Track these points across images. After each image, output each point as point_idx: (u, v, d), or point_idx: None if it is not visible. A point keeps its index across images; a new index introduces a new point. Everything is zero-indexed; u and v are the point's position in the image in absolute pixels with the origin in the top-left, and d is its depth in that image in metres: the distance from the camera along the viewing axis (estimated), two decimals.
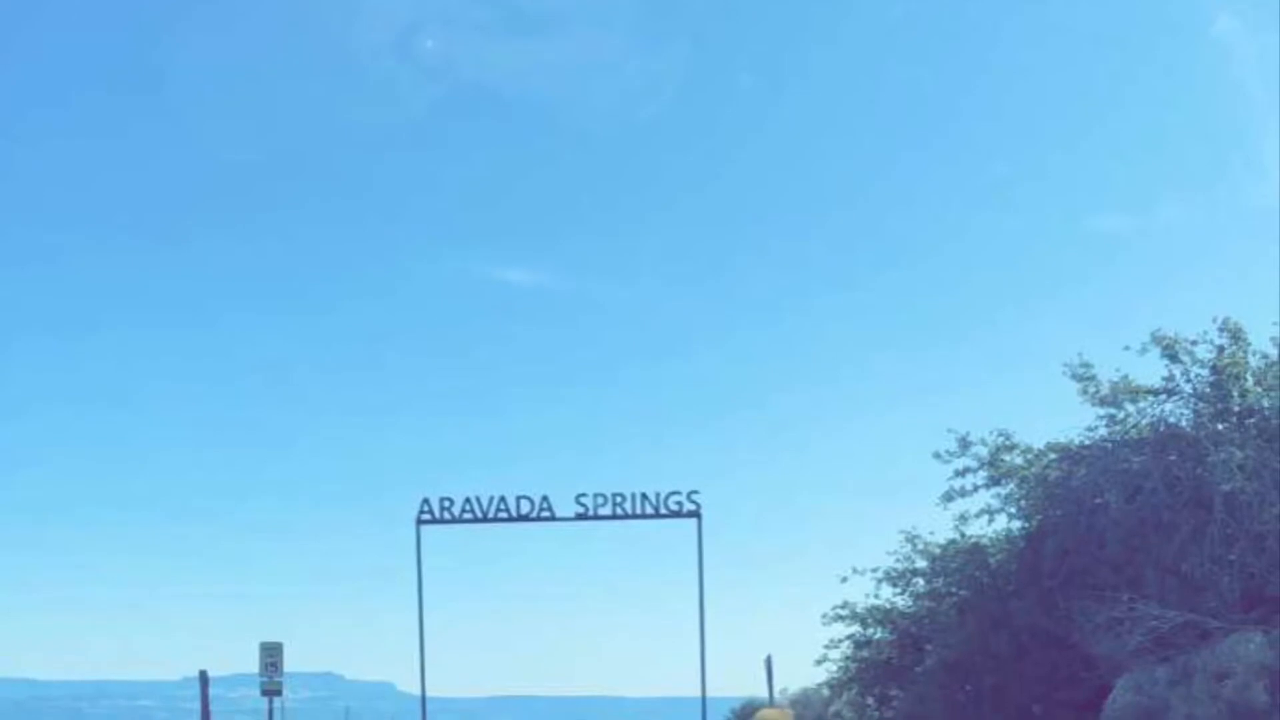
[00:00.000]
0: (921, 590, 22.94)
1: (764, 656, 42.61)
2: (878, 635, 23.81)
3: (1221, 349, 18.95)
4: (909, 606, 23.26)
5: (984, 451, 21.35)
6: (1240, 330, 18.96)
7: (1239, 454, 17.62)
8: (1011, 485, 21.18)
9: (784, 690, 39.41)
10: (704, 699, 44.32)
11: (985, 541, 22.01)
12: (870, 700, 24.35)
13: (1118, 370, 19.78)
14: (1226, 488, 17.46)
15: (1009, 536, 21.74)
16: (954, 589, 22.15)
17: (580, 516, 43.13)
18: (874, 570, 23.20)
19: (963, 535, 22.16)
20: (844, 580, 23.72)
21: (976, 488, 21.54)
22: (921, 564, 22.75)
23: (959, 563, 21.98)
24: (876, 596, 23.48)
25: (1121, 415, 19.68)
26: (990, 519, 21.73)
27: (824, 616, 24.15)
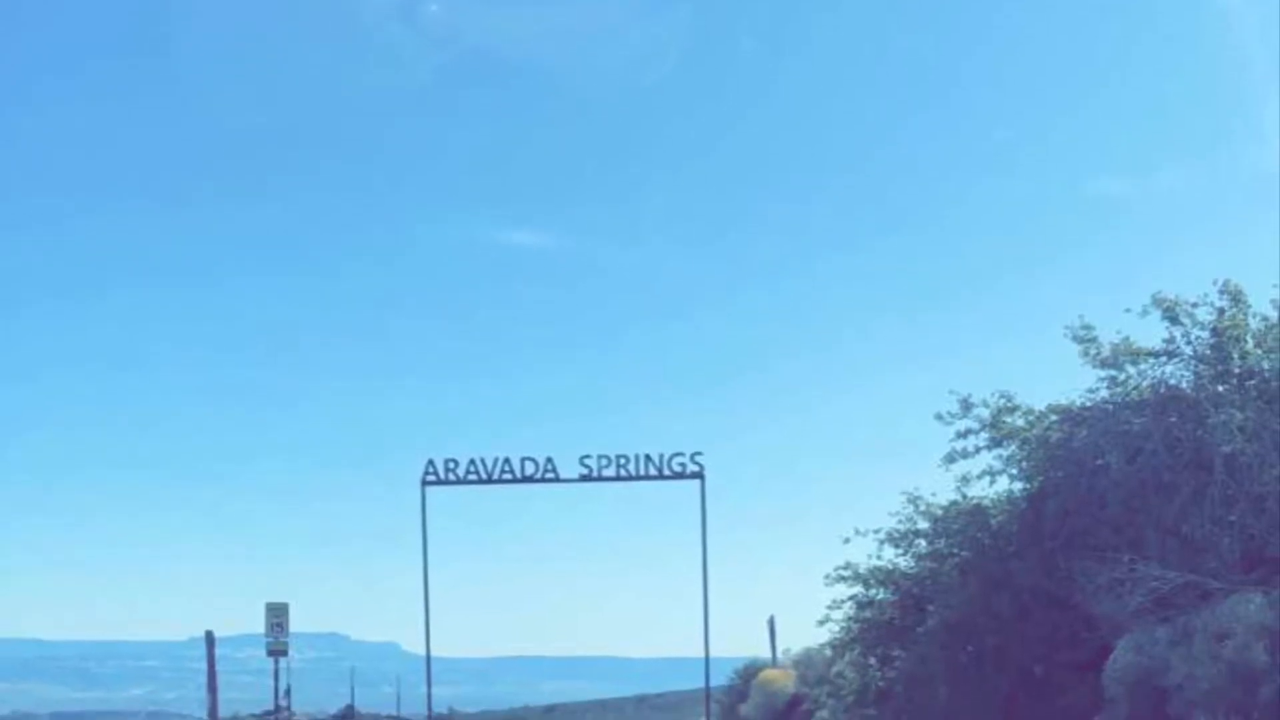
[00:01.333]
0: (923, 551, 22.99)
1: (767, 617, 42.81)
2: (880, 596, 23.87)
3: (1222, 311, 18.98)
4: (911, 567, 23.33)
5: (985, 413, 21.42)
6: (1240, 293, 18.99)
7: (1239, 416, 17.67)
8: (1013, 447, 21.24)
9: (787, 650, 39.60)
10: (707, 659, 44.47)
11: (987, 503, 22.07)
12: (872, 660, 24.43)
13: (1118, 332, 19.84)
14: (1227, 449, 17.51)
15: (1010, 498, 21.79)
16: (956, 550, 22.21)
17: (584, 478, 43.27)
18: (876, 531, 23.26)
19: (964, 496, 22.21)
20: (846, 541, 23.78)
21: (978, 449, 21.61)
22: (923, 525, 22.80)
23: (961, 524, 22.04)
24: (879, 557, 23.54)
25: (1122, 377, 19.73)
26: (992, 480, 21.80)
27: (826, 577, 24.22)
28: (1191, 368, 19.22)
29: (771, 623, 42.22)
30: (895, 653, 23.54)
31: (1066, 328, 20.22)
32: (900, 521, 23.09)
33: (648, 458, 42.56)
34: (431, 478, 43.11)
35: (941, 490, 22.55)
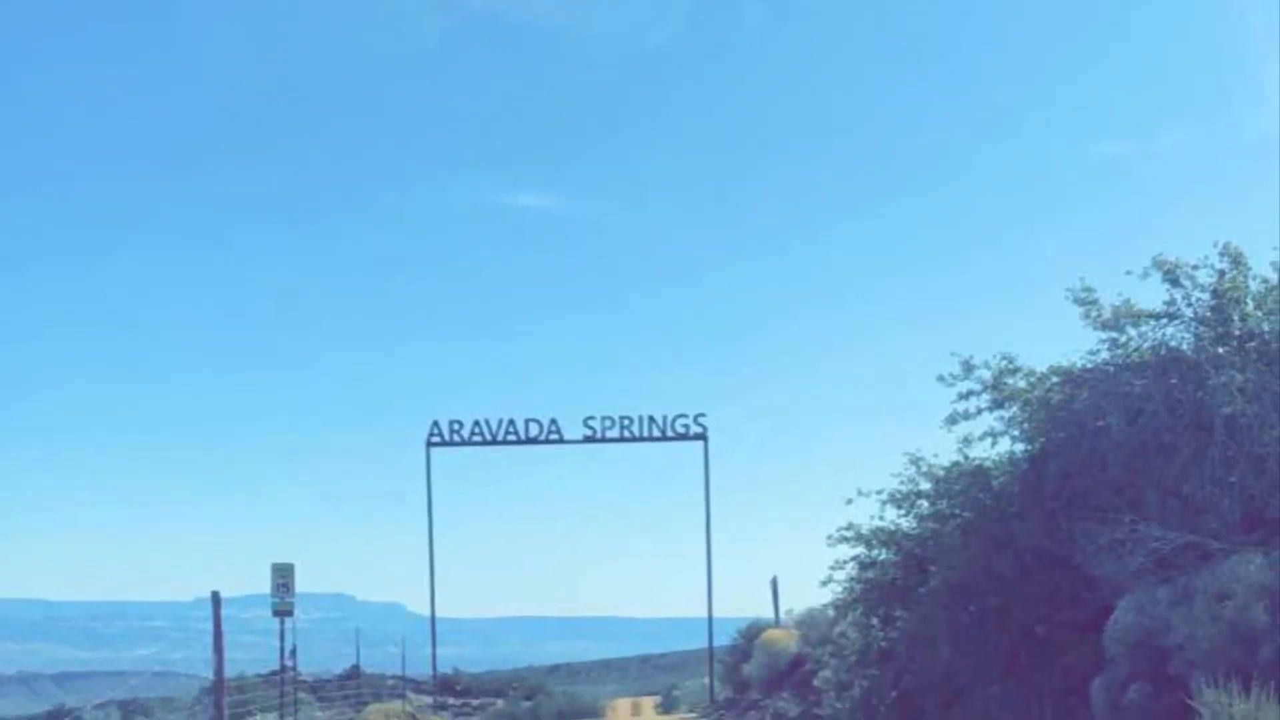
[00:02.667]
0: (925, 512, 23.07)
1: (769, 578, 42.98)
2: (882, 556, 23.95)
3: (1222, 273, 19.00)
4: (913, 528, 23.41)
5: (987, 375, 21.48)
6: (1241, 255, 19.01)
7: (1239, 377, 17.72)
8: (1014, 408, 21.30)
9: (789, 611, 39.79)
10: (710, 619, 44.75)
11: (988, 464, 22.14)
12: (875, 620, 24.55)
13: (1119, 294, 19.85)
14: (1227, 410, 17.56)
15: (1012, 459, 21.86)
16: (957, 511, 22.29)
17: (588, 439, 43.52)
18: (878, 492, 23.33)
19: (966, 458, 22.28)
20: (849, 502, 23.86)
21: (980, 410, 21.68)
22: (925, 486, 22.87)
23: (962, 485, 22.11)
24: (881, 518, 23.60)
25: (1123, 339, 19.75)
26: (993, 441, 21.85)
27: (829, 538, 24.31)
28: (1192, 330, 19.24)
29: (774, 583, 42.42)
30: (897, 613, 23.65)
31: (1067, 290, 20.25)
32: (902, 482, 23.17)
33: (651, 419, 42.81)
34: (436, 439, 43.37)
35: (943, 451, 22.64)
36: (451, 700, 47.21)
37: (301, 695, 38.00)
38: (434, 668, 47.27)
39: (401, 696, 43.59)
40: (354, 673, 48.21)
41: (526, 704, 44.95)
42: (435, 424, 43.06)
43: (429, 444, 43.18)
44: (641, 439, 43.12)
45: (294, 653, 35.41)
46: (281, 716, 34.15)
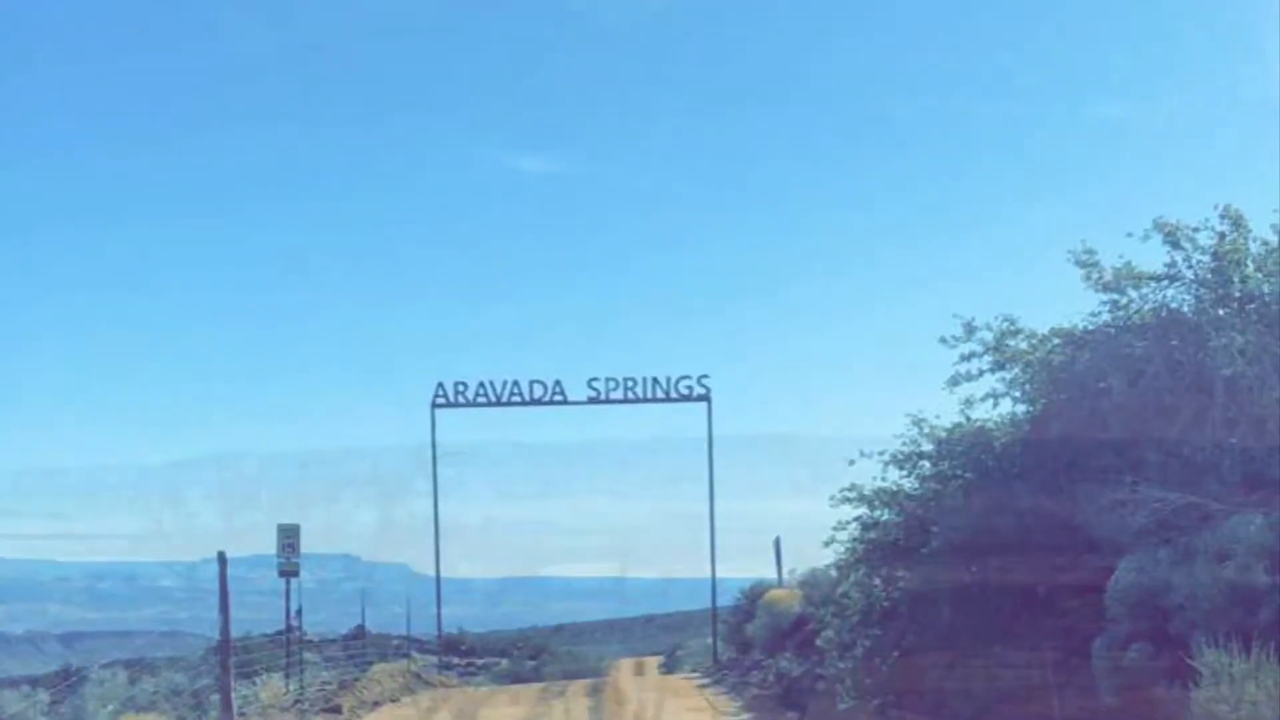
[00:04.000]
0: (928, 473, 23.12)
1: (773, 538, 43.12)
2: (885, 517, 24.00)
3: (1222, 236, 19.06)
4: (915, 489, 23.45)
5: (989, 337, 21.57)
6: (1241, 217, 19.07)
7: (1240, 339, 17.79)
8: (1016, 370, 21.39)
9: (792, 571, 39.95)
10: (714, 580, 44.93)
11: (990, 425, 22.21)
12: (877, 580, 24.59)
13: (1120, 257, 19.96)
14: (1227, 372, 17.66)
15: (1014, 420, 21.94)
16: (959, 472, 22.34)
17: (592, 400, 43.63)
18: (881, 453, 23.38)
19: (968, 419, 22.35)
20: (851, 463, 23.90)
21: (982, 372, 21.78)
22: (928, 447, 22.92)
23: (964, 446, 22.17)
24: (883, 479, 23.64)
25: (1124, 301, 19.84)
26: (995, 403, 21.96)
27: (831, 499, 24.35)
28: (1193, 292, 19.32)
29: (777, 544, 42.53)
30: (900, 573, 23.71)
31: (1069, 252, 20.34)
32: (905, 444, 23.22)
33: (655, 380, 42.98)
34: (441, 400, 43.53)
35: (945, 413, 22.69)
36: (455, 660, 47.49)
37: (307, 655, 38.23)
38: (439, 628, 47.47)
39: (407, 656, 43.80)
40: (359, 632, 48.48)
41: (530, 664, 45.17)
42: (440, 385, 43.24)
43: (434, 405, 43.35)
44: (645, 400, 43.25)
45: (299, 613, 35.65)
46: (288, 676, 34.36)
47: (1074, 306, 20.76)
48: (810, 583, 35.31)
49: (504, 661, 47.24)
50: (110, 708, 29.88)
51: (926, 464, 23.14)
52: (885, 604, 24.21)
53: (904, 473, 23.51)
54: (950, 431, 22.54)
